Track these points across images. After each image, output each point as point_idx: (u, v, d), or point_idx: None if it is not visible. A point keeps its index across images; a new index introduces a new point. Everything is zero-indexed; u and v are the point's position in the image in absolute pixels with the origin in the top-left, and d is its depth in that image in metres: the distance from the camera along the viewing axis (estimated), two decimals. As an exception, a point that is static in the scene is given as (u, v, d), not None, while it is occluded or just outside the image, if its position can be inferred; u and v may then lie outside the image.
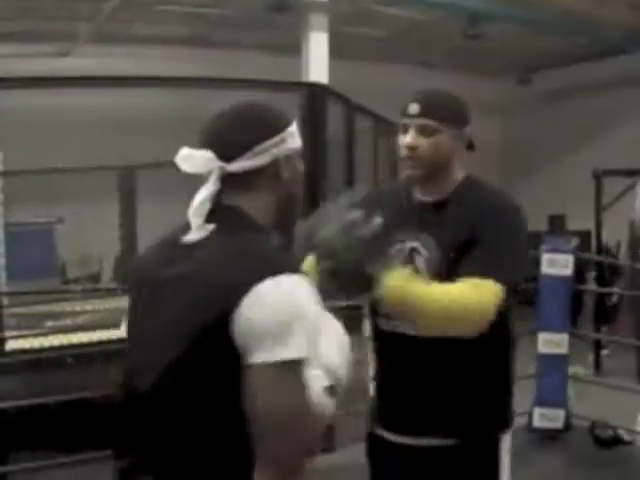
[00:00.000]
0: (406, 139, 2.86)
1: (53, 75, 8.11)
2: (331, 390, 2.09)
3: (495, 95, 19.60)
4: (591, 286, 11.66)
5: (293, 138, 2.19)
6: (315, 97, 7.63)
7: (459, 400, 2.84)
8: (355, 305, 7.63)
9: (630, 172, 11.49)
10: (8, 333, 6.44)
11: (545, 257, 7.63)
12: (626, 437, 7.30)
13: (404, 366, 2.93)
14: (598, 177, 11.43)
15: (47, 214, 10.80)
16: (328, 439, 7.42)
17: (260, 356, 1.87)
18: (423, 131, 2.82)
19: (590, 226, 12.22)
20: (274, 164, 2.13)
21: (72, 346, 6.46)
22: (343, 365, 2.18)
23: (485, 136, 19.66)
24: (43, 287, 8.79)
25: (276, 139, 2.12)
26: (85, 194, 8.90)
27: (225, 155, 2.08)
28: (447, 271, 2.76)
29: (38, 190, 9.15)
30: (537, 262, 7.60)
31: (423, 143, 2.82)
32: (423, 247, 2.85)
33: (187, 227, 2.11)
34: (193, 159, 2.09)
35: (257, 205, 2.13)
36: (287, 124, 2.19)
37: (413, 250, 2.88)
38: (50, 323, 7.46)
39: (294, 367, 1.90)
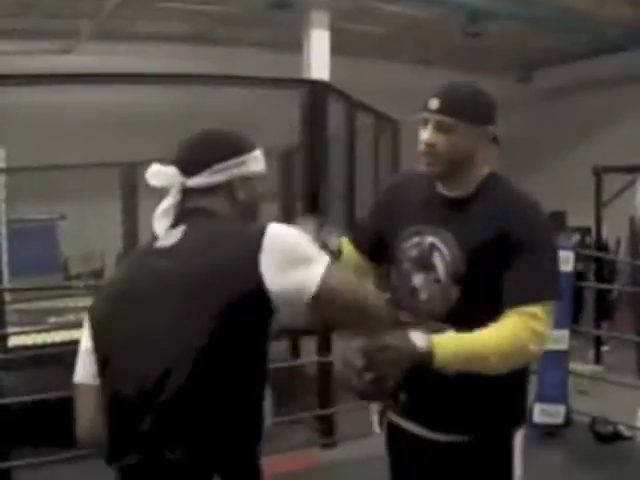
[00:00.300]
0: (424, 135, 2.82)
1: (55, 72, 8.08)
2: None
3: (495, 93, 19.09)
4: (591, 283, 11.61)
5: (256, 162, 2.42)
6: (316, 94, 7.60)
7: (474, 398, 2.83)
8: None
9: (630, 169, 11.46)
10: (11, 329, 6.43)
11: (545, 253, 7.59)
12: (626, 433, 7.31)
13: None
14: (598, 174, 11.46)
15: (49, 211, 10.80)
16: (329, 435, 7.41)
17: (311, 278, 2.13)
18: (441, 128, 2.78)
19: (590, 223, 12.22)
20: (230, 184, 2.35)
21: (74, 342, 6.43)
22: None
23: (485, 133, 19.74)
24: (46, 283, 8.80)
25: (234, 161, 2.34)
26: (87, 191, 8.87)
27: (186, 171, 2.32)
28: (466, 272, 2.76)
29: (40, 187, 9.12)
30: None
31: (441, 140, 2.79)
32: (442, 244, 2.82)
33: (155, 238, 2.30)
34: (160, 174, 2.33)
35: (218, 207, 2.34)
36: (250, 149, 2.41)
37: (432, 246, 2.85)
38: (53, 319, 7.45)
39: (334, 270, 2.19)
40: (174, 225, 2.31)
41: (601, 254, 11.85)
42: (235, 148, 2.37)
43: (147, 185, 2.38)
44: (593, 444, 7.30)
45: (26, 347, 6.52)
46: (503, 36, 15.24)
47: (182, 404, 2.10)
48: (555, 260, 2.81)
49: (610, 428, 7.33)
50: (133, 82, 7.72)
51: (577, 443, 7.39)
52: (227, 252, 2.13)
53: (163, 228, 2.31)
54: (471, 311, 2.71)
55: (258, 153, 2.44)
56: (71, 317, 7.40)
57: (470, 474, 2.90)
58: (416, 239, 2.89)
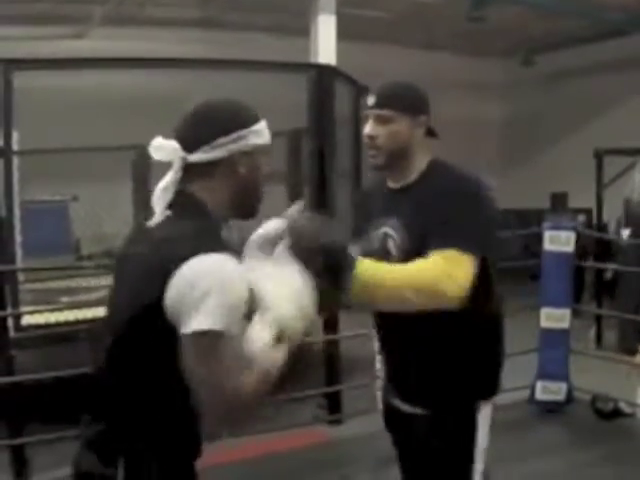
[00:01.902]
0: (366, 129, 3.03)
1: (68, 57, 8.06)
2: (279, 338, 2.17)
3: (499, 76, 19.54)
4: (591, 263, 11.55)
5: (258, 135, 2.35)
6: (323, 78, 7.56)
7: (440, 371, 2.98)
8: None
9: (631, 151, 11.42)
10: (24, 308, 6.42)
11: (547, 234, 7.60)
12: (626, 409, 7.29)
13: (394, 340, 3.13)
14: (599, 156, 11.40)
15: (62, 192, 10.79)
16: (335, 412, 7.41)
17: (184, 328, 2.03)
18: (380, 120, 2.98)
19: (591, 204, 12.17)
20: (230, 158, 2.30)
21: (86, 321, 6.42)
22: (295, 313, 2.23)
23: (489, 116, 19.81)
24: (58, 263, 8.78)
25: (233, 135, 2.29)
26: (99, 173, 8.84)
27: (188, 147, 2.27)
28: (416, 253, 2.83)
29: (53, 169, 9.10)
30: (539, 239, 7.56)
31: (381, 131, 2.98)
32: (392, 231, 2.99)
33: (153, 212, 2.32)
34: (162, 148, 2.30)
35: (212, 193, 2.31)
36: (252, 122, 2.35)
37: (385, 235, 3.02)
38: (65, 298, 7.44)
39: (210, 338, 2.01)
40: (167, 206, 2.30)
41: (602, 234, 11.80)
42: (236, 122, 2.32)
43: (158, 167, 2.37)
44: (594, 421, 7.28)
45: (39, 326, 6.49)
46: (506, 20, 15.17)
47: (101, 389, 2.27)
48: (478, 224, 2.87)
49: (611, 405, 7.31)
50: (144, 66, 7.69)
51: (578, 420, 7.37)
52: (163, 260, 2.10)
53: (161, 206, 2.29)
54: None
55: (261, 125, 2.38)
56: (83, 296, 7.40)
57: (435, 446, 3.03)
58: (375, 232, 3.07)
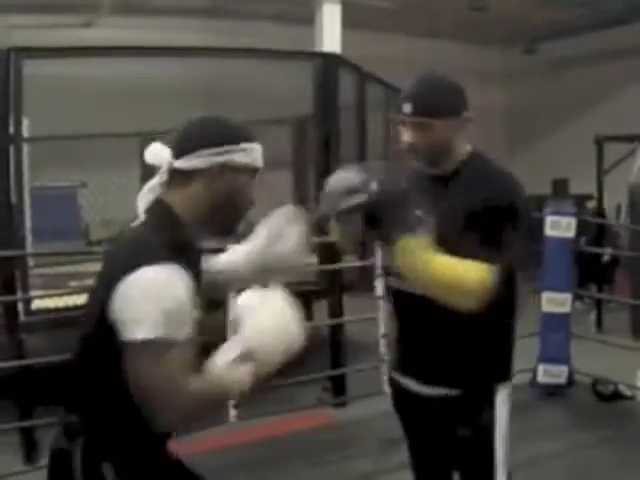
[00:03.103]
0: (404, 137, 2.94)
1: (77, 45, 8.02)
2: (244, 358, 2.23)
3: (501, 65, 19.50)
4: (591, 248, 11.51)
5: (245, 154, 2.38)
6: (328, 66, 7.53)
7: (459, 354, 2.94)
8: (368, 265, 7.63)
9: (630, 138, 11.40)
10: (34, 292, 6.39)
11: (548, 220, 7.57)
12: (626, 392, 7.27)
13: (413, 321, 3.07)
14: (600, 143, 11.38)
15: (71, 179, 10.78)
16: (340, 395, 7.41)
17: (125, 335, 2.10)
18: (418, 128, 2.88)
19: (592, 190, 12.14)
20: (210, 170, 2.33)
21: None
22: (269, 343, 2.29)
23: (491, 104, 19.76)
24: (67, 248, 8.78)
25: (217, 149, 2.32)
26: (108, 160, 8.82)
27: (175, 154, 2.33)
28: (444, 241, 2.80)
29: (62, 156, 9.09)
30: (541, 225, 7.53)
31: (419, 138, 2.89)
32: (426, 216, 2.89)
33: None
34: (154, 153, 2.36)
35: (187, 202, 2.35)
36: (240, 140, 2.38)
37: (419, 219, 2.91)
38: (74, 283, 7.42)
39: (149, 345, 2.08)
40: (145, 210, 2.36)
41: (603, 220, 11.77)
42: (222, 137, 2.35)
43: None
44: (595, 403, 7.26)
45: (48, 310, 6.48)
46: (508, 10, 15.16)
47: (73, 382, 2.38)
48: (523, 231, 2.87)
49: (611, 388, 7.29)
50: (151, 55, 7.64)
51: (579, 402, 7.35)
52: (116, 268, 2.17)
53: (142, 206, 2.35)
54: None
55: (251, 145, 2.40)
56: (91, 281, 7.34)
57: (454, 427, 3.00)
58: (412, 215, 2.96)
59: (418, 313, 2.99)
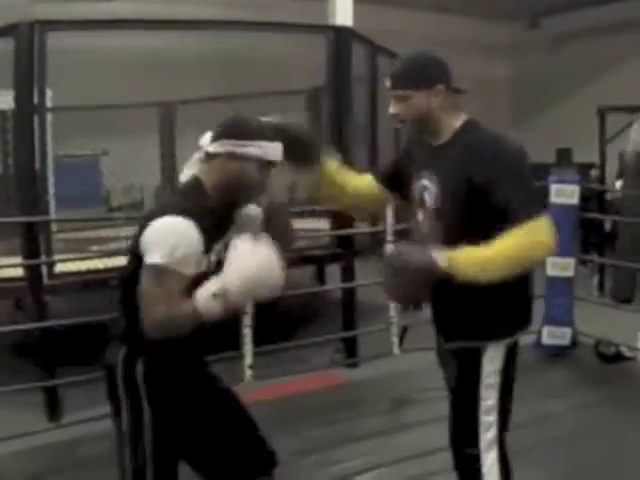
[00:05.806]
0: (390, 109, 3.12)
1: (99, 19, 7.95)
2: (219, 295, 2.59)
3: (507, 38, 19.36)
4: (594, 214, 11.43)
5: (259, 149, 2.81)
6: (341, 39, 7.47)
7: (466, 310, 3.06)
8: (377, 231, 7.57)
9: (631, 108, 11.29)
10: (57, 257, 6.36)
11: (553, 188, 7.50)
12: (628, 353, 7.23)
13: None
14: (602, 113, 11.31)
15: (93, 147, 10.76)
16: (352, 356, 7.37)
17: (144, 260, 2.69)
18: (399, 99, 3.05)
19: (594, 159, 12.07)
20: (224, 155, 2.82)
21: (116, 269, 6.36)
22: (242, 287, 2.61)
23: (497, 76, 19.61)
24: (89, 214, 8.81)
25: (236, 142, 2.80)
26: (128, 128, 8.79)
27: (211, 140, 2.86)
28: (442, 208, 3.02)
29: (85, 125, 9.06)
30: (546, 192, 7.46)
31: (402, 109, 3.06)
32: (430, 183, 3.08)
33: None
34: (204, 138, 2.90)
35: (209, 177, 2.87)
36: (258, 138, 2.81)
37: (424, 186, 3.12)
38: (95, 247, 7.42)
39: (157, 268, 2.64)
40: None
41: (604, 187, 11.69)
42: (242, 133, 2.81)
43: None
44: (597, 364, 7.21)
45: (71, 273, 6.46)
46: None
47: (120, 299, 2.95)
48: (524, 183, 2.92)
49: (613, 349, 7.25)
50: (170, 28, 7.57)
51: (582, 363, 7.31)
52: (148, 219, 2.73)
53: (181, 178, 2.95)
54: (453, 241, 2.84)
55: (267, 144, 2.82)
56: (112, 245, 7.38)
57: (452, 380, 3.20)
58: (417, 182, 3.17)
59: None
